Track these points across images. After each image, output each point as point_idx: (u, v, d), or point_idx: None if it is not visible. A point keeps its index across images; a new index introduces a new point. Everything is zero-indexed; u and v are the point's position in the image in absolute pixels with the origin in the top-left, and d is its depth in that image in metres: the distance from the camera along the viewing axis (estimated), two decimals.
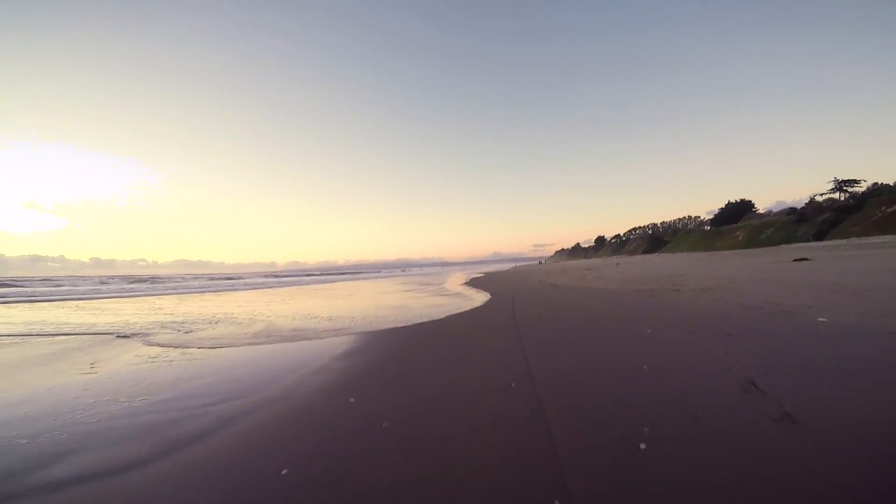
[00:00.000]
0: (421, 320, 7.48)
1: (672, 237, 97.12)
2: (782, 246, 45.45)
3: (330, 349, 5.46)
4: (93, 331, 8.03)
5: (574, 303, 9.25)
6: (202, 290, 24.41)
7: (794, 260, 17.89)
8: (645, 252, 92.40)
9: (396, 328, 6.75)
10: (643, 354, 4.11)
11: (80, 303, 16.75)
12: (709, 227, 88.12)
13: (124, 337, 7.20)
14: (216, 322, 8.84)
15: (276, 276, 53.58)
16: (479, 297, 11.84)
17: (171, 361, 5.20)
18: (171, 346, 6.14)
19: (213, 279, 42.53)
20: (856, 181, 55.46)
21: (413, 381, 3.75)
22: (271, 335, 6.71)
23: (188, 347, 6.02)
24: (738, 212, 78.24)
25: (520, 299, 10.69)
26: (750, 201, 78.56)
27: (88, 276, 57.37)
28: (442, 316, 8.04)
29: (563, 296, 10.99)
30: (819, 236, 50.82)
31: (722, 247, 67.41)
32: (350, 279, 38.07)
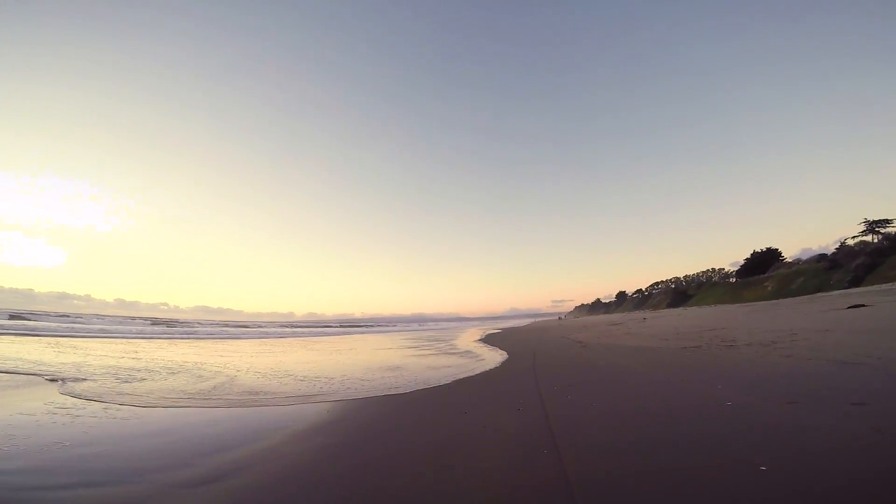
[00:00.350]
0: (415, 387, 5.96)
1: (696, 290, 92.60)
2: (820, 294, 41.67)
3: (286, 421, 4.08)
4: (34, 371, 7.10)
5: (610, 364, 7.65)
6: (205, 337, 23.19)
7: (849, 307, 15.70)
8: (669, 306, 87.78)
9: (382, 397, 5.29)
10: (745, 441, 2.63)
11: (66, 340, 15.82)
12: (734, 279, 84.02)
13: (54, 381, 6.13)
14: (175, 372, 7.56)
15: (292, 327, 51.97)
16: (494, 357, 10.21)
17: (74, 417, 4.05)
18: (91, 398, 4.96)
19: (226, 326, 41.47)
20: (888, 221, 51.87)
21: (381, 490, 2.31)
22: (222, 396, 5.34)
23: (110, 402, 4.78)
24: (764, 261, 74.05)
25: (542, 360, 9.08)
26: (777, 250, 74.58)
27: (105, 316, 56.93)
28: (444, 381, 6.49)
29: (594, 355, 9.34)
30: (855, 282, 47.00)
31: (750, 298, 63.37)
32: (361, 332, 36.30)
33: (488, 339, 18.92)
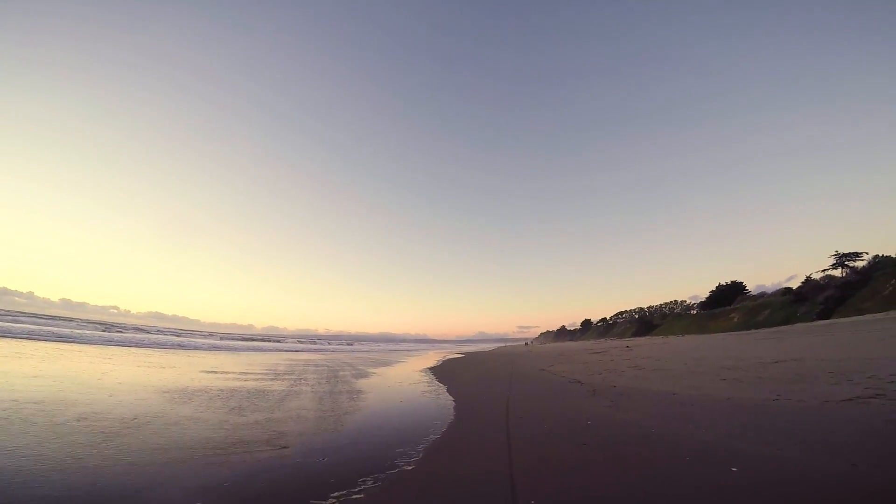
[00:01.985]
0: None
1: (661, 321, 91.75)
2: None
3: None
4: None
5: (760, 485, 2.43)
6: (102, 343, 15.86)
7: None
8: (634, 335, 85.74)
9: None
10: None
11: None
12: (695, 311, 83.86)
13: None
14: None
15: (246, 340, 43.60)
16: (426, 421, 4.90)
17: None
18: None
19: (161, 333, 33.60)
20: (858, 254, 51.91)
21: None
22: None
23: None
24: (729, 294, 74.43)
25: (529, 443, 3.87)
26: (741, 283, 75.11)
27: (22, 314, 41.19)
28: None
29: (636, 422, 4.20)
30: (825, 315, 45.92)
31: (716, 329, 62.03)
32: (279, 350, 28.91)
33: (440, 370, 13.48)
